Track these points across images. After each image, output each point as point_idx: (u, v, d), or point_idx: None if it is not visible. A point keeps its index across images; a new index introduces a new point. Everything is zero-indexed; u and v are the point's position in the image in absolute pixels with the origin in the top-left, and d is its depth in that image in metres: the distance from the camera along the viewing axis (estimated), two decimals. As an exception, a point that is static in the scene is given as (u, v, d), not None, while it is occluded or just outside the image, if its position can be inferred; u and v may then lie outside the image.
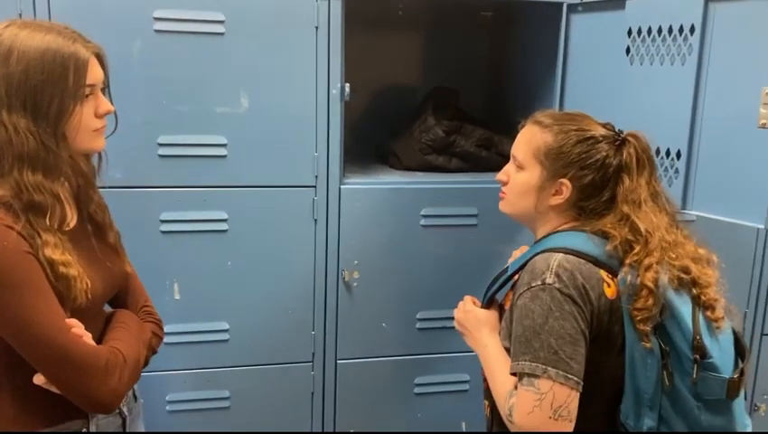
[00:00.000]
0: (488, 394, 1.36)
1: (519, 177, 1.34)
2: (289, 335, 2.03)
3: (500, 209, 1.41)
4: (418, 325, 2.11)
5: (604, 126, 1.33)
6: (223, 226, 1.92)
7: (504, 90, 2.52)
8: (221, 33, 1.82)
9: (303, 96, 1.91)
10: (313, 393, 2.07)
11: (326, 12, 1.86)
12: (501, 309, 1.40)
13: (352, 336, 2.07)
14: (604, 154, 1.28)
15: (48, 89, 1.16)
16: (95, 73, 1.23)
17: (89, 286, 1.22)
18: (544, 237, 1.32)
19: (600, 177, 1.28)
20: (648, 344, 1.18)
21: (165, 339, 1.89)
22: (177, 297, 1.92)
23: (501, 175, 1.40)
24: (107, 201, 1.81)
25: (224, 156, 1.89)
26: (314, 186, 1.96)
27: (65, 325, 1.18)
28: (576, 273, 1.19)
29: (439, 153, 2.19)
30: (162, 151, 1.84)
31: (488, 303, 1.42)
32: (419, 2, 2.44)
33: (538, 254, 1.25)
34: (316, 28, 1.86)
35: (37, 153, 1.17)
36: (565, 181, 1.28)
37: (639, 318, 1.19)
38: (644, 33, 1.73)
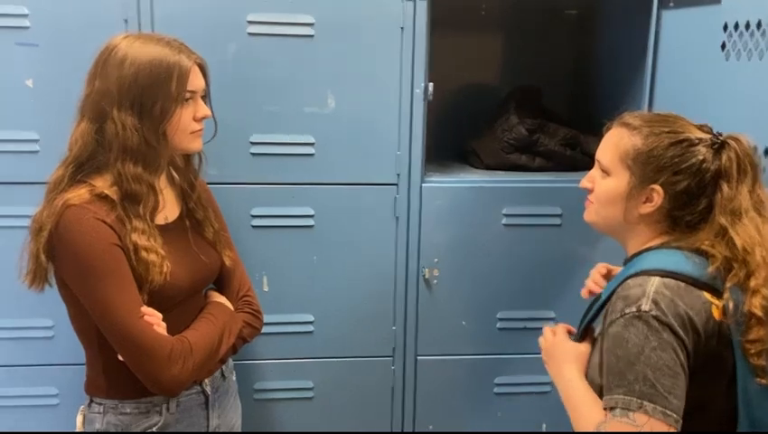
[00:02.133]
0: None
1: (606, 184, 1.25)
2: (371, 330, 2.07)
3: (585, 219, 1.33)
4: (499, 324, 2.11)
5: (701, 127, 1.23)
6: (310, 222, 1.99)
7: (589, 89, 2.47)
8: (311, 36, 1.88)
9: (387, 95, 1.94)
10: (393, 388, 2.11)
11: (412, 13, 1.89)
12: (592, 336, 1.30)
13: (432, 333, 2.09)
14: (701, 158, 1.18)
15: (153, 91, 1.32)
16: (196, 81, 1.38)
17: (169, 271, 1.34)
18: (635, 255, 1.23)
19: (696, 184, 1.18)
20: (764, 381, 1.09)
21: (254, 329, 2.01)
22: (266, 289, 2.00)
23: (585, 182, 1.31)
24: (202, 196, 1.94)
25: (312, 155, 1.95)
26: (396, 184, 2.00)
27: (138, 312, 1.30)
28: (676, 299, 1.10)
29: (522, 152, 2.17)
30: (254, 149, 1.93)
31: (582, 334, 1.31)
32: (502, 1, 2.43)
33: (631, 277, 1.15)
34: (402, 29, 1.90)
35: (139, 147, 1.32)
36: (656, 187, 1.19)
37: (752, 352, 1.09)
38: (741, 27, 1.66)
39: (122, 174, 1.32)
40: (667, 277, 1.12)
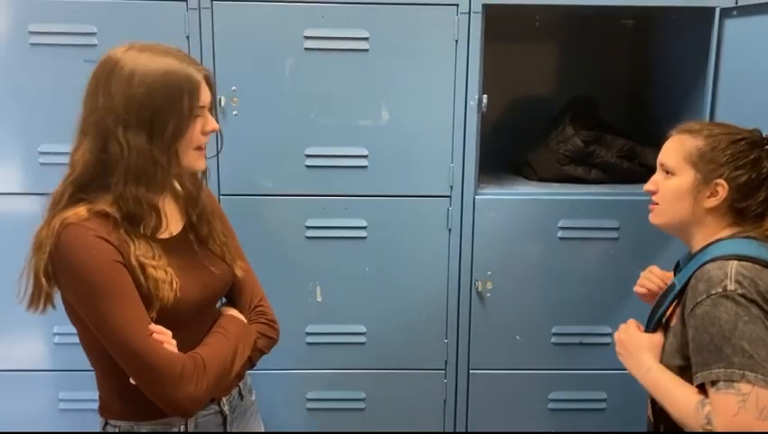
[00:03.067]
0: (660, 417, 1.32)
1: (671, 183, 1.34)
2: (423, 342, 2.07)
3: (651, 221, 1.40)
4: (553, 339, 2.07)
5: (751, 131, 1.34)
6: (363, 233, 2.00)
7: (647, 101, 2.42)
8: (366, 50, 1.90)
9: (440, 108, 1.95)
10: (445, 401, 2.10)
11: (466, 26, 1.89)
12: (664, 326, 1.36)
13: (485, 347, 2.07)
14: (759, 154, 1.29)
15: (166, 109, 1.23)
16: (205, 95, 1.30)
17: (179, 287, 1.27)
18: (706, 246, 1.30)
19: (755, 176, 1.28)
20: None
21: (308, 339, 2.04)
22: (319, 299, 2.03)
23: (649, 185, 1.39)
24: (258, 207, 1.98)
25: (365, 167, 1.97)
26: (449, 196, 2.00)
27: (147, 330, 1.23)
28: (756, 280, 1.18)
29: (578, 163, 2.14)
30: (308, 162, 1.96)
31: (655, 326, 1.37)
32: (557, 12, 2.41)
33: (706, 263, 1.23)
34: (456, 41, 1.90)
35: (144, 168, 1.24)
36: (720, 181, 1.28)
37: None
38: (809, 35, 1.61)
39: (123, 195, 1.24)
40: (743, 260, 1.21)
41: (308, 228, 1.99)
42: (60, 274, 1.23)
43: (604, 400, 2.10)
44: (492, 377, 2.09)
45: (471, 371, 2.08)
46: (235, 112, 1.92)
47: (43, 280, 1.24)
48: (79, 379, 2.03)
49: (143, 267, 1.24)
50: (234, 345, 1.36)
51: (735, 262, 1.20)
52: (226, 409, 1.42)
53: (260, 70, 1.91)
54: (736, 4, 1.88)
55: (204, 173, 1.41)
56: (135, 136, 1.22)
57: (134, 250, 1.24)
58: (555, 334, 2.07)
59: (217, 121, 1.37)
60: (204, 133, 1.32)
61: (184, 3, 1.86)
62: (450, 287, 2.04)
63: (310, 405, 2.09)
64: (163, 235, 1.33)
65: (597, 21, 2.45)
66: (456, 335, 2.07)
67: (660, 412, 1.31)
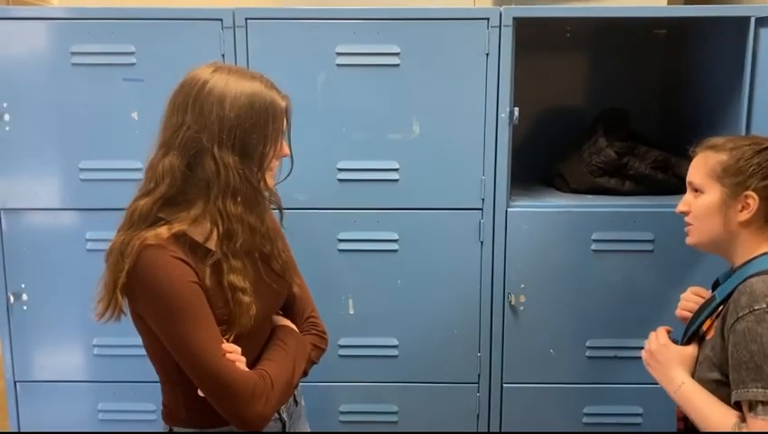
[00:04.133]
0: (691, 431, 1.31)
1: (700, 201, 1.32)
2: (456, 355, 2.06)
3: (687, 243, 1.38)
4: (588, 353, 2.05)
5: None
6: (394, 246, 2.01)
7: (681, 111, 2.39)
8: (397, 65, 1.92)
9: (471, 121, 1.96)
10: (478, 415, 2.09)
11: (497, 39, 1.90)
12: (699, 339, 1.33)
13: (519, 361, 2.06)
14: None
15: (255, 133, 1.28)
16: (285, 121, 1.36)
17: (255, 311, 1.31)
18: (749, 261, 1.27)
19: None
20: None
21: (340, 352, 2.05)
22: (351, 311, 2.04)
23: (681, 206, 1.38)
24: (290, 221, 1.99)
25: (396, 180, 1.98)
26: (481, 209, 2.00)
27: (220, 350, 1.26)
28: None
29: (611, 175, 2.13)
30: (340, 175, 1.98)
31: (690, 338, 1.35)
32: (588, 23, 2.40)
33: (751, 277, 1.21)
34: (487, 55, 1.91)
35: (242, 187, 1.28)
36: (750, 193, 1.27)
37: None
38: None
39: (223, 212, 1.27)
40: None
41: (340, 241, 2.01)
42: (138, 293, 1.26)
43: (639, 414, 2.07)
44: (526, 391, 2.07)
45: (504, 384, 2.07)
46: (268, 127, 1.95)
47: (119, 296, 1.27)
48: (118, 390, 2.08)
49: (234, 290, 1.28)
50: (294, 359, 1.40)
51: None
52: (285, 416, 1.47)
53: (293, 86, 1.87)
54: (772, 12, 1.85)
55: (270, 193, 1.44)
56: (229, 156, 1.26)
57: (227, 271, 1.28)
58: (589, 348, 2.05)
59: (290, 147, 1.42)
60: (278, 157, 1.36)
61: (219, 21, 1.91)
62: (483, 301, 2.04)
63: (343, 418, 2.10)
64: None
65: (629, 31, 2.44)
66: (489, 349, 2.06)
67: (692, 427, 1.29)
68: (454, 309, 2.04)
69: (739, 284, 1.22)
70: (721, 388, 1.23)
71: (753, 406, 1.14)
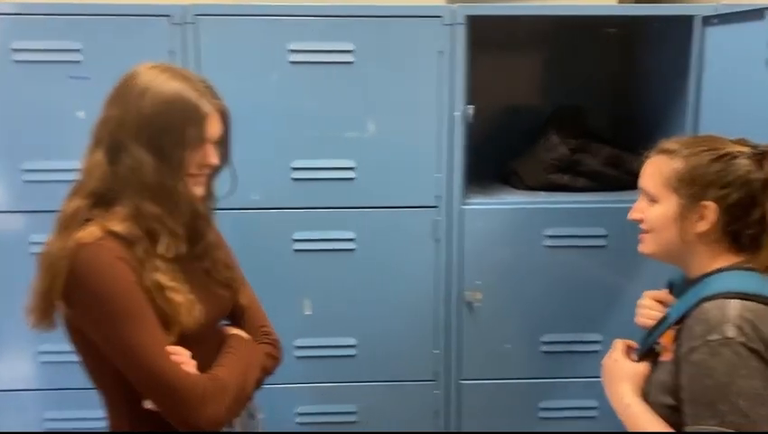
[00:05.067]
0: None
1: (655, 211, 1.25)
2: (413, 353, 2.06)
3: (640, 251, 1.31)
4: (543, 348, 2.07)
5: (738, 142, 1.24)
6: (351, 245, 2.00)
7: (633, 108, 2.44)
8: (351, 62, 1.91)
9: (427, 119, 1.95)
10: (436, 412, 2.09)
11: (451, 37, 1.90)
12: (654, 356, 1.27)
13: (475, 357, 2.07)
14: (746, 169, 1.18)
15: (172, 135, 1.22)
16: (213, 129, 1.28)
17: (199, 311, 1.25)
18: (705, 276, 1.21)
19: (746, 195, 1.18)
20: None
21: (297, 353, 2.03)
22: (308, 312, 2.02)
23: (634, 214, 1.31)
24: (244, 221, 1.97)
25: (352, 179, 1.97)
26: (437, 207, 2.00)
27: (165, 352, 1.20)
28: (758, 323, 1.09)
29: (564, 172, 2.15)
30: (295, 174, 1.95)
31: (644, 354, 1.29)
32: (542, 22, 2.42)
33: (707, 300, 1.14)
34: (440, 53, 1.91)
35: (159, 188, 1.22)
36: (707, 203, 1.19)
37: None
38: (789, 42, 1.63)
39: (141, 211, 1.22)
40: (746, 300, 1.11)
41: (296, 241, 1.99)
42: (76, 297, 1.20)
43: (595, 407, 2.10)
44: (483, 387, 2.08)
45: (461, 381, 2.08)
46: (220, 126, 1.91)
47: (55, 302, 1.21)
48: (65, 397, 2.01)
49: (161, 289, 1.22)
50: (246, 365, 1.34)
51: (737, 302, 1.10)
52: (238, 429, 1.40)
53: (245, 84, 1.90)
54: (716, 12, 1.90)
55: (207, 202, 1.38)
56: (145, 154, 1.21)
57: (150, 269, 1.22)
58: (544, 343, 2.07)
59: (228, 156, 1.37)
60: (201, 166, 1.28)
61: (168, 18, 1.86)
62: (439, 298, 2.04)
63: (300, 419, 2.07)
64: (171, 254, 1.29)
65: (582, 30, 2.47)
66: (446, 346, 2.06)
67: None
68: (412, 307, 2.04)
69: (694, 305, 1.16)
70: (674, 414, 1.17)
71: None
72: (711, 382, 1.08)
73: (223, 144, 1.35)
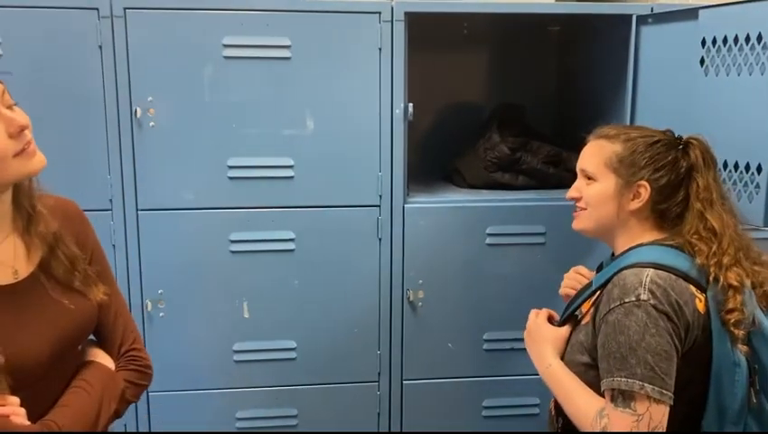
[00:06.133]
0: (558, 412, 1.36)
1: (594, 189, 1.35)
2: (355, 354, 2.03)
3: (574, 227, 1.41)
4: (486, 346, 2.07)
5: (664, 132, 1.37)
6: (290, 246, 1.96)
7: (573, 106, 2.46)
8: (288, 58, 1.86)
9: (367, 116, 1.93)
10: (379, 413, 2.07)
11: (389, 34, 1.88)
12: (574, 321, 1.38)
13: (418, 357, 2.05)
14: (675, 155, 1.32)
15: None
16: None
17: (15, 349, 1.06)
18: (627, 251, 1.31)
19: (674, 177, 1.31)
20: (744, 348, 1.19)
21: (235, 357, 1.98)
22: (246, 315, 1.97)
23: (572, 192, 1.41)
24: (179, 222, 1.91)
25: (291, 177, 1.93)
26: (378, 205, 1.97)
27: None
28: (668, 289, 1.19)
29: (505, 170, 2.15)
30: (231, 173, 1.90)
31: (564, 319, 1.39)
32: (484, 20, 2.43)
33: (625, 268, 1.24)
34: (380, 50, 1.88)
35: None
36: (643, 183, 1.31)
37: (732, 321, 1.19)
38: (719, 42, 1.66)
39: None
40: (659, 269, 1.22)
41: (232, 242, 1.93)
42: None
43: (537, 405, 2.11)
44: (426, 386, 2.07)
45: (404, 381, 2.06)
46: (152, 123, 1.85)
47: None
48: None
49: None
50: (99, 400, 1.18)
51: (652, 271, 1.21)
52: None
53: (178, 80, 1.84)
54: (652, 11, 1.92)
55: (31, 181, 1.15)
56: None
57: None
58: (486, 341, 2.07)
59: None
60: (13, 136, 1.06)
61: (96, 11, 1.78)
62: (382, 298, 2.02)
63: (240, 424, 2.02)
64: (7, 280, 1.12)
65: (524, 28, 2.48)
66: (389, 346, 2.04)
67: (560, 407, 1.33)
68: (353, 308, 2.01)
69: (614, 274, 1.26)
70: (589, 370, 1.27)
71: (614, 397, 1.18)
72: (624, 338, 1.18)
73: (14, 105, 1.11)
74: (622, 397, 1.17)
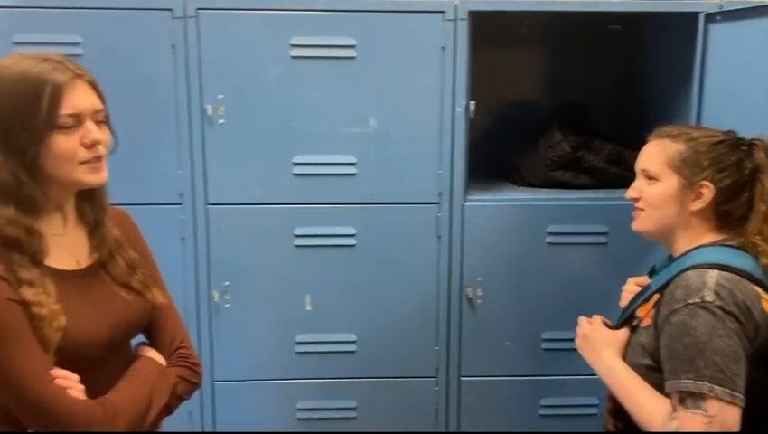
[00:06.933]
0: (616, 414, 1.34)
1: (655, 189, 1.34)
2: (414, 350, 2.06)
3: (634, 228, 1.40)
4: (544, 345, 2.07)
5: (727, 133, 1.35)
6: (351, 241, 1.99)
7: (635, 105, 2.43)
8: (353, 57, 1.90)
9: (428, 114, 1.95)
10: (437, 409, 2.09)
11: (452, 33, 1.89)
12: (632, 324, 1.36)
13: (476, 354, 2.06)
14: (739, 156, 1.30)
15: (18, 116, 1.08)
16: (77, 100, 1.12)
17: (62, 326, 1.12)
18: (688, 252, 1.30)
19: (738, 178, 1.29)
20: None
21: (297, 348, 2.03)
22: (309, 308, 2.01)
23: (631, 192, 1.39)
24: (245, 217, 1.97)
25: (353, 175, 1.96)
26: (438, 203, 1.99)
27: (47, 376, 1.10)
28: (734, 290, 1.18)
29: (566, 169, 2.14)
30: (296, 170, 1.95)
31: (622, 322, 1.38)
32: (544, 18, 2.41)
33: (687, 270, 1.23)
34: (443, 48, 1.90)
35: (9, 186, 1.10)
36: (706, 183, 1.29)
37: None
38: (793, 39, 1.62)
39: None
40: (724, 270, 1.21)
41: (296, 236, 1.98)
42: None
43: (595, 405, 2.09)
44: (483, 384, 2.08)
45: (461, 378, 2.08)
46: (222, 121, 1.91)
47: None
48: None
49: (25, 304, 1.09)
50: (150, 391, 1.22)
51: (716, 272, 1.20)
52: None
53: (247, 79, 1.90)
54: (721, 9, 1.89)
55: (102, 191, 1.24)
56: None
57: (18, 282, 1.10)
58: (545, 340, 2.07)
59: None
60: (85, 146, 1.13)
61: (169, 12, 1.86)
62: (440, 295, 2.03)
63: (300, 415, 2.07)
64: (70, 266, 1.20)
65: (585, 26, 2.45)
66: (447, 343, 2.06)
67: (619, 410, 1.31)
68: (412, 304, 2.04)
69: (676, 275, 1.24)
70: (651, 373, 1.26)
71: (683, 399, 1.17)
72: (690, 340, 1.17)
73: (105, 121, 1.19)
74: (692, 398, 1.15)
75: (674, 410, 1.18)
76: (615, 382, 1.30)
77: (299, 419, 2.07)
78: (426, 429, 2.10)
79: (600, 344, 1.36)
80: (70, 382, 1.12)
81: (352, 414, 2.08)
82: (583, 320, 1.45)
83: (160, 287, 1.33)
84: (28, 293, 1.10)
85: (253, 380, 2.05)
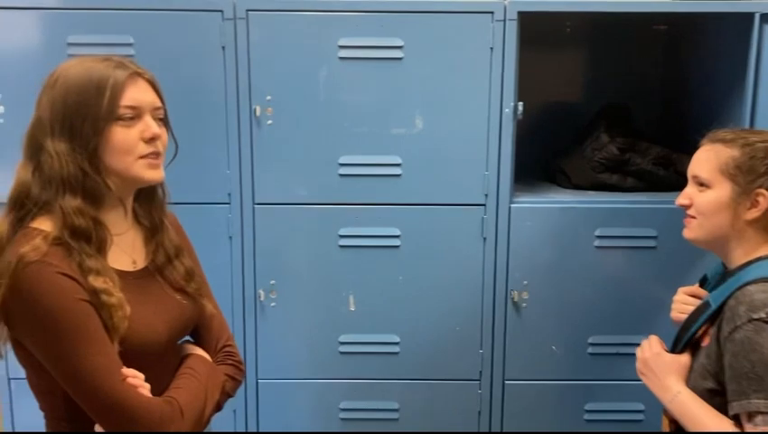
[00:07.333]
0: None
1: (707, 197, 1.29)
2: (457, 352, 2.05)
3: (685, 236, 1.35)
4: (590, 349, 2.04)
5: None
6: (396, 242, 1.99)
7: (682, 107, 2.39)
8: (400, 58, 1.90)
9: (475, 115, 1.94)
10: (480, 412, 2.07)
11: (501, 33, 1.88)
12: (693, 346, 1.31)
13: (521, 357, 2.05)
14: None
15: (82, 110, 1.13)
16: (136, 95, 1.17)
17: (128, 316, 1.15)
18: (746, 264, 1.25)
19: None
20: None
21: (341, 348, 2.03)
22: (352, 308, 2.01)
23: (681, 199, 1.34)
24: (291, 216, 1.98)
25: (399, 175, 1.96)
26: (484, 205, 1.98)
27: (119, 374, 1.13)
28: None
29: (613, 171, 2.12)
30: (342, 171, 1.95)
31: (684, 346, 1.32)
32: (587, 18, 2.39)
33: (748, 284, 1.18)
34: (491, 49, 1.89)
35: (76, 177, 1.14)
36: (762, 191, 1.24)
37: None
38: None
39: (63, 208, 1.13)
40: None
41: (341, 236, 1.99)
42: (18, 318, 1.11)
43: (641, 411, 2.06)
44: (528, 388, 2.06)
45: (506, 381, 2.06)
46: (270, 121, 1.92)
47: None
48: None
49: (95, 293, 1.12)
50: (206, 389, 1.26)
51: None
52: None
53: (295, 80, 1.91)
54: (777, 9, 1.85)
55: (163, 192, 1.30)
56: (59, 144, 1.14)
57: (86, 271, 1.13)
58: (591, 345, 2.04)
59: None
60: (145, 140, 1.18)
61: (220, 13, 1.87)
62: (485, 297, 2.02)
63: (343, 415, 2.08)
64: (128, 267, 1.23)
65: (629, 27, 2.42)
66: (492, 346, 2.04)
67: (682, 429, 1.27)
68: (456, 305, 2.03)
69: (736, 290, 1.20)
70: (715, 397, 1.21)
71: (752, 416, 1.12)
72: (757, 356, 1.12)
73: (163, 118, 1.24)
74: (762, 416, 1.11)
75: (741, 429, 1.14)
76: (679, 407, 1.26)
77: (342, 419, 2.07)
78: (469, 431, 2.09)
79: (662, 370, 1.31)
80: (139, 381, 1.15)
81: (395, 415, 2.07)
82: (644, 343, 1.40)
83: (210, 298, 1.37)
84: (97, 281, 1.12)
85: (296, 379, 2.06)
